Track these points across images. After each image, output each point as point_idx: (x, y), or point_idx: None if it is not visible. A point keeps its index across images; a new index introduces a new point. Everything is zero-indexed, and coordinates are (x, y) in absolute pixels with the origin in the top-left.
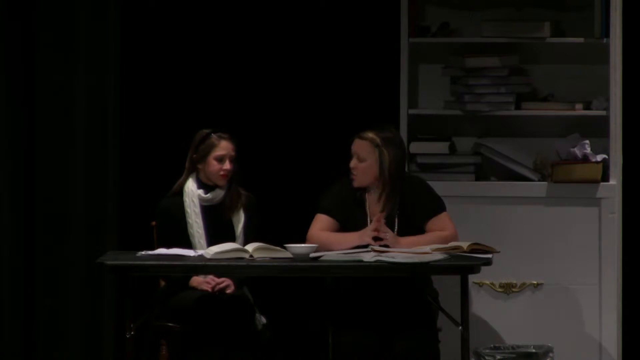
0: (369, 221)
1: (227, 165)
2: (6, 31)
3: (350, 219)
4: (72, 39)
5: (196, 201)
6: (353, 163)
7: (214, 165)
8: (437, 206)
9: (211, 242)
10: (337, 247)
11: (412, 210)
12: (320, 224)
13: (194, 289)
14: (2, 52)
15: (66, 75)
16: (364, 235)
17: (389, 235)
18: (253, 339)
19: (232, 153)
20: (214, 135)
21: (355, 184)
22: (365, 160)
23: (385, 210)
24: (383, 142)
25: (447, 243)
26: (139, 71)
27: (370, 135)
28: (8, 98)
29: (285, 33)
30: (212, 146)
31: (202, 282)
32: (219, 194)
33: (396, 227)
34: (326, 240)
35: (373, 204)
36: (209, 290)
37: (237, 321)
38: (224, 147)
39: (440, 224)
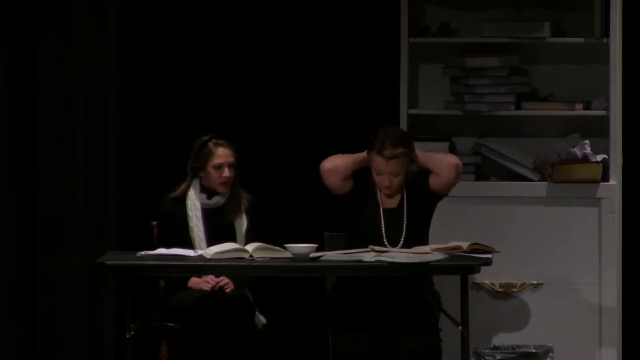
0: (381, 212)
1: (226, 173)
2: (6, 31)
3: (360, 206)
4: (72, 39)
5: (198, 205)
6: (387, 181)
7: (213, 173)
8: None
9: (211, 245)
10: (351, 159)
11: (419, 198)
12: None
13: (192, 289)
14: (2, 52)
15: (66, 75)
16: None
17: None
18: (253, 339)
19: (231, 159)
20: (210, 143)
21: (392, 195)
22: (400, 173)
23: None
24: (408, 145)
25: (447, 155)
26: (139, 71)
27: (400, 150)
28: (8, 98)
29: (285, 33)
30: (210, 154)
31: (201, 282)
32: (222, 198)
33: (405, 221)
34: (342, 156)
35: (384, 195)
36: (208, 290)
37: (237, 321)
38: (221, 154)
39: None
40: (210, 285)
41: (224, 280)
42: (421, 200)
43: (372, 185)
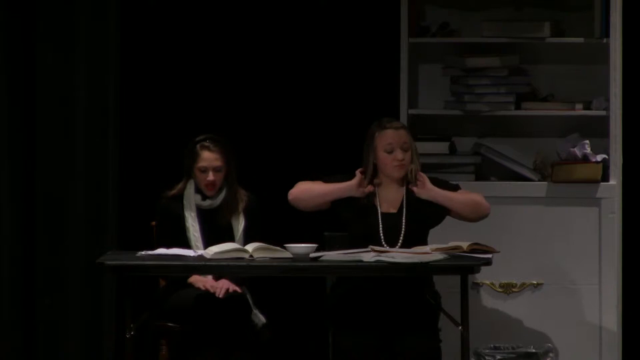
0: (379, 215)
1: (210, 177)
2: (6, 31)
3: (358, 213)
4: (72, 39)
5: (193, 205)
6: (399, 155)
7: (198, 176)
8: (452, 187)
9: (208, 245)
10: (321, 190)
11: (422, 207)
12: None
13: (193, 286)
14: (2, 52)
15: (66, 75)
16: (353, 187)
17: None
18: (253, 339)
19: (217, 163)
20: (197, 145)
21: (403, 174)
22: (409, 148)
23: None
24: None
25: (476, 203)
26: (139, 71)
27: (401, 123)
28: (8, 98)
29: (285, 33)
30: (196, 157)
31: (202, 281)
32: (218, 198)
33: (403, 226)
34: (312, 186)
35: (384, 198)
36: (210, 290)
37: (234, 320)
38: (205, 158)
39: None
40: (213, 289)
41: (224, 286)
42: (425, 212)
43: (367, 195)
